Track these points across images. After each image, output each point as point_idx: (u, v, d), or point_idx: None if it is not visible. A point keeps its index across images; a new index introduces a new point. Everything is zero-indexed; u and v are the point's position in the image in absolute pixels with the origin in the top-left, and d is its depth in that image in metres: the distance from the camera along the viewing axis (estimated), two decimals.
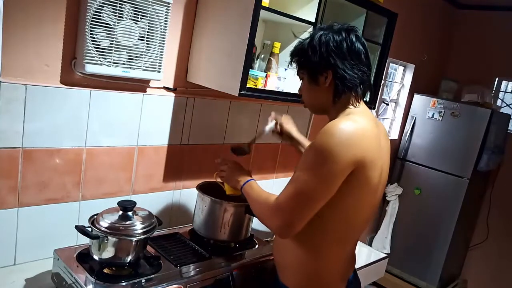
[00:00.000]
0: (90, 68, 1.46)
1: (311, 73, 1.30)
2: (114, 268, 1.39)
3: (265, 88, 1.79)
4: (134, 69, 1.57)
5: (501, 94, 3.82)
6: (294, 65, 1.37)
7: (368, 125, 1.24)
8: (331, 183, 1.17)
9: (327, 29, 1.29)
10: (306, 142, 1.67)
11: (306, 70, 1.32)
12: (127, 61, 1.54)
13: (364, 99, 1.35)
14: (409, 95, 3.64)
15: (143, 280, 1.36)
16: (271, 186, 2.44)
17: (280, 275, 1.41)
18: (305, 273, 1.34)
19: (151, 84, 1.74)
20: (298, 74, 1.38)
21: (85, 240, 1.41)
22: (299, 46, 1.33)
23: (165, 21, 1.60)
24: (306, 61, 1.31)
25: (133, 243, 1.37)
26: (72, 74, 1.50)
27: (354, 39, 1.26)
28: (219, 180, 1.60)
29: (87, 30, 1.42)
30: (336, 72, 1.25)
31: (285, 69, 1.90)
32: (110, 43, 1.48)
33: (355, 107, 1.29)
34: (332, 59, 1.24)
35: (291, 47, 1.56)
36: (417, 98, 3.62)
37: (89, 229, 1.36)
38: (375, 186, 1.27)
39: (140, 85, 1.71)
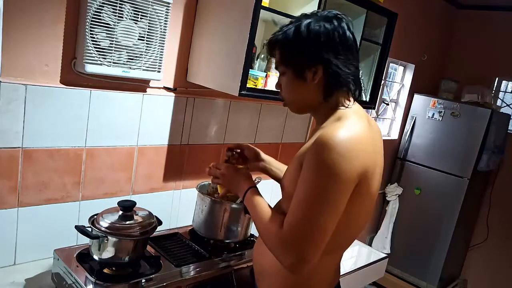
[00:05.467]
0: (90, 68, 1.46)
1: (296, 68, 1.11)
2: (114, 268, 1.39)
3: (265, 88, 1.79)
4: (134, 69, 1.57)
5: (501, 94, 3.82)
6: (274, 55, 1.17)
7: (362, 129, 1.09)
8: (339, 203, 1.03)
9: (313, 16, 1.10)
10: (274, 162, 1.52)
11: (290, 64, 1.12)
12: (127, 61, 1.54)
13: (363, 99, 1.32)
14: (409, 95, 3.64)
15: (143, 280, 1.36)
16: (271, 186, 2.44)
17: (259, 285, 1.27)
18: (289, 285, 1.19)
19: (151, 84, 1.74)
20: (277, 68, 1.17)
21: (85, 240, 1.41)
22: (282, 35, 1.12)
23: (165, 21, 1.60)
24: (291, 54, 1.11)
25: (133, 243, 1.37)
26: (72, 74, 1.50)
27: (345, 27, 1.10)
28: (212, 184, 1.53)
29: (87, 30, 1.42)
30: (327, 67, 1.08)
31: None
32: (110, 43, 1.48)
33: (347, 106, 1.13)
34: (324, 52, 1.07)
35: None
36: (417, 98, 3.62)
37: (89, 229, 1.36)
38: (374, 193, 1.16)
39: (140, 85, 1.71)
